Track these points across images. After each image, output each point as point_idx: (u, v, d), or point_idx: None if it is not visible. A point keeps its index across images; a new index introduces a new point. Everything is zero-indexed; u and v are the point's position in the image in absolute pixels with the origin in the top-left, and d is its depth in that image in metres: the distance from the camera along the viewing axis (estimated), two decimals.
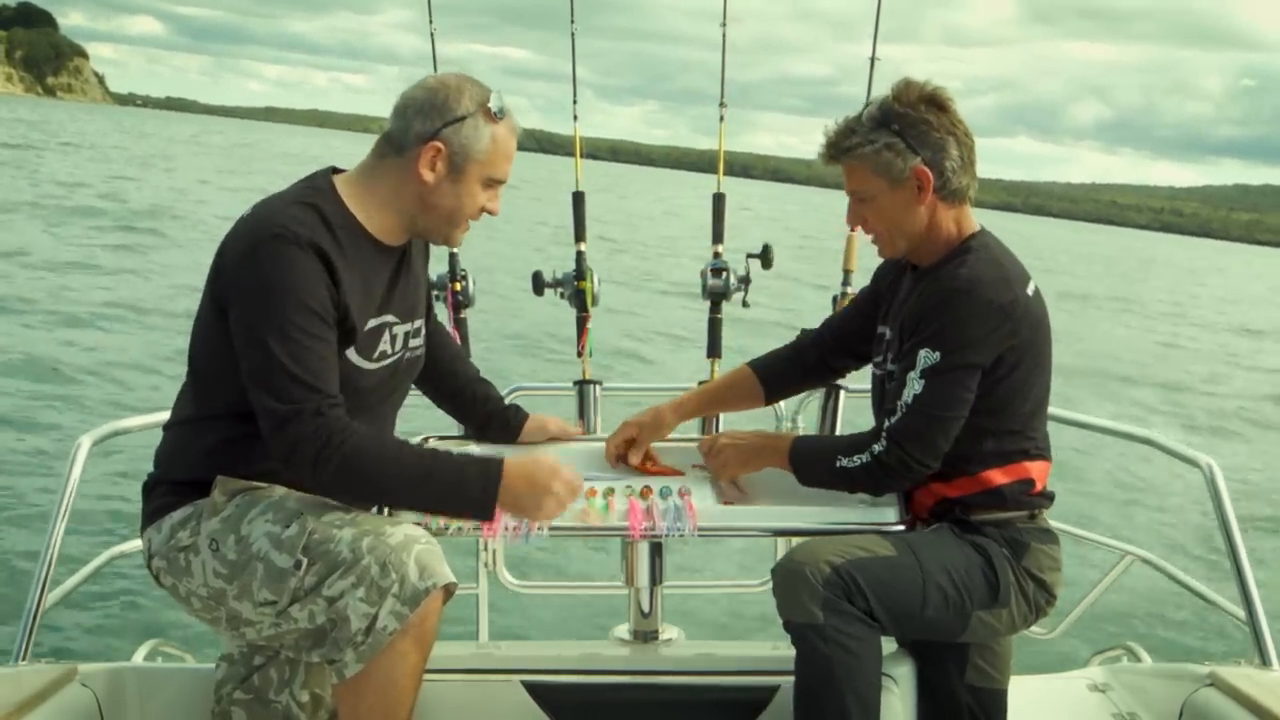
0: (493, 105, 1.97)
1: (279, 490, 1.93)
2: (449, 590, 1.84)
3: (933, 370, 2.00)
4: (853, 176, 2.15)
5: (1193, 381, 17.99)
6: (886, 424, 2.04)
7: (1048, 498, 2.17)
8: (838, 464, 2.08)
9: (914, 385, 2.01)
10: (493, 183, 2.02)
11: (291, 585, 1.85)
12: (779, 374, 2.47)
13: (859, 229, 2.24)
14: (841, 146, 2.13)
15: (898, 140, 2.07)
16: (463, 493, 1.89)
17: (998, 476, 2.10)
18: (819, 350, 2.45)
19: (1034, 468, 2.13)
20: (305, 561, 1.84)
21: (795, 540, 2.64)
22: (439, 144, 1.95)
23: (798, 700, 2.00)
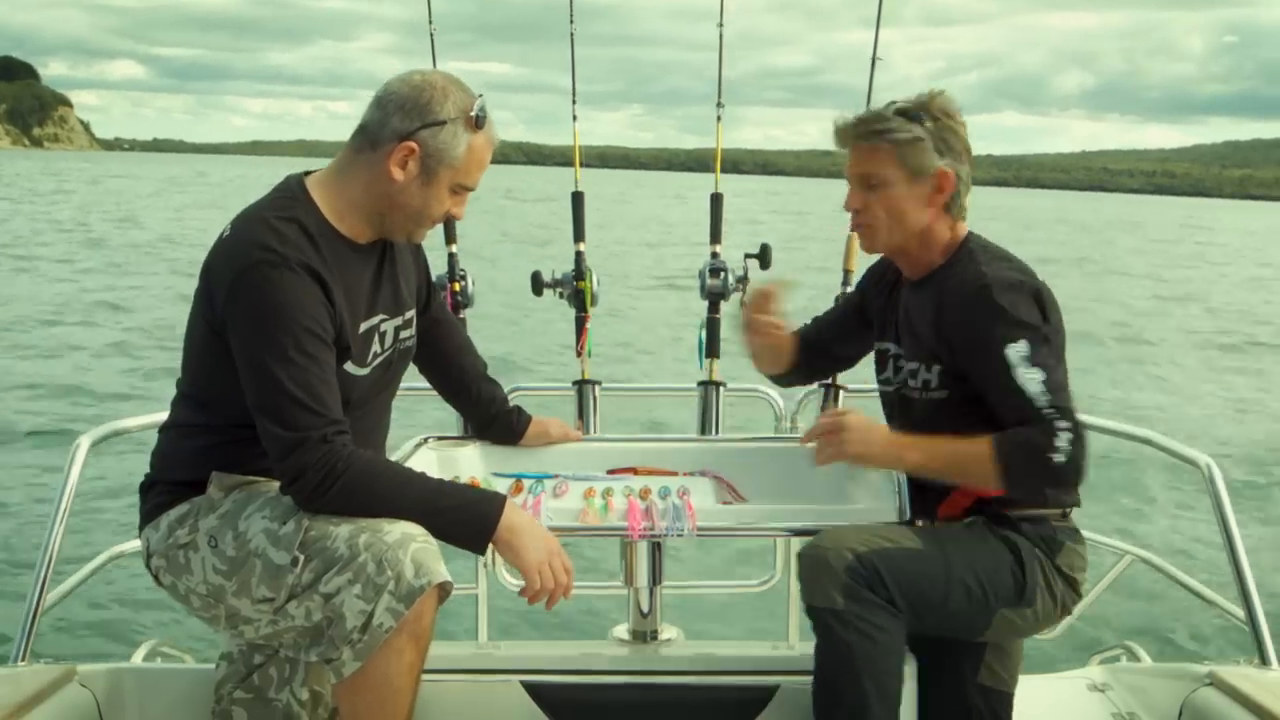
0: (475, 113, 1.95)
1: (275, 485, 1.93)
2: (445, 589, 1.84)
3: (1031, 356, 1.99)
4: (872, 160, 2.14)
5: None
6: (1044, 414, 1.96)
7: (1077, 497, 2.18)
8: (1056, 462, 1.94)
9: (1030, 377, 1.98)
10: (462, 189, 2.01)
11: (289, 582, 1.85)
12: (805, 358, 2.48)
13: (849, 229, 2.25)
14: (874, 127, 2.13)
15: (928, 138, 2.10)
16: (463, 525, 1.89)
17: None
18: (814, 347, 2.47)
19: None
20: (302, 558, 1.84)
21: (796, 540, 2.65)
22: (413, 144, 1.93)
23: (817, 687, 2.00)
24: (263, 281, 1.83)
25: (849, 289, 2.85)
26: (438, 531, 1.87)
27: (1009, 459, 1.97)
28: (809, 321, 2.52)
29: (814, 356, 2.48)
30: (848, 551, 1.95)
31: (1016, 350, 1.99)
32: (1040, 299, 2.07)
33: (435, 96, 1.94)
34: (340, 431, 1.85)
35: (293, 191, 1.97)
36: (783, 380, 2.58)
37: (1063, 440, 1.94)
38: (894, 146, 2.10)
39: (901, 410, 2.21)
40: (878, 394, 2.35)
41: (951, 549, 2.04)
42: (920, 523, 2.14)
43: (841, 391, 2.74)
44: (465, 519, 1.89)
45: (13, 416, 8.97)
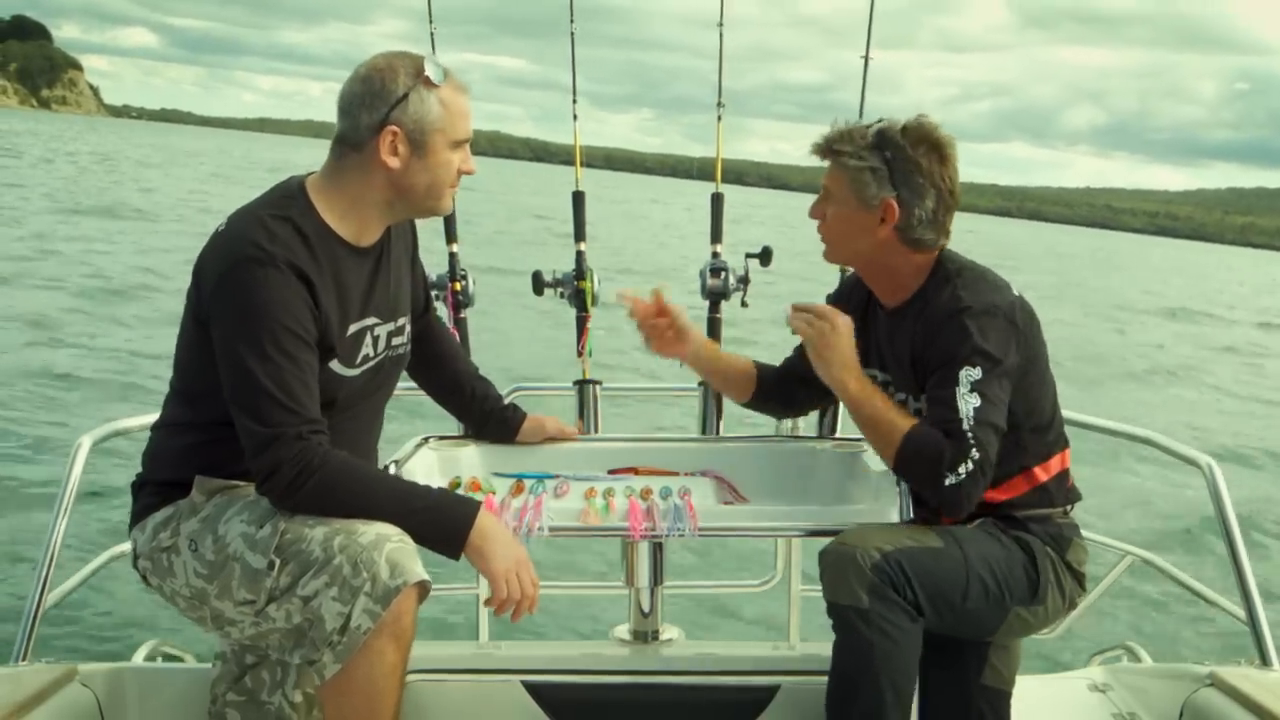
0: (429, 72, 1.95)
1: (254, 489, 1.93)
2: (424, 588, 1.83)
3: (980, 384, 2.02)
4: (830, 176, 2.20)
5: None
6: (965, 437, 1.99)
7: (1077, 492, 2.22)
8: (946, 482, 1.99)
9: (968, 402, 2.01)
10: (459, 144, 2.01)
11: (267, 585, 1.85)
12: (771, 387, 2.49)
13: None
14: (833, 147, 2.17)
15: (883, 168, 2.12)
16: (436, 527, 1.88)
17: (1041, 473, 2.16)
18: (793, 381, 2.46)
19: (1065, 456, 2.20)
20: (278, 562, 1.84)
21: (797, 540, 2.65)
22: (393, 128, 1.93)
23: (833, 683, 2.01)
24: (248, 278, 1.84)
25: None
26: (411, 532, 1.87)
27: (909, 455, 2.03)
28: (785, 360, 2.51)
29: (789, 388, 2.46)
30: (874, 550, 1.96)
31: (969, 374, 2.02)
32: (1014, 324, 2.08)
33: (385, 76, 1.94)
34: (316, 431, 1.85)
35: (291, 191, 1.98)
36: (760, 409, 2.55)
37: (963, 469, 1.98)
38: (844, 171, 2.15)
39: None
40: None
41: (970, 547, 2.06)
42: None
43: None
44: (438, 520, 1.89)
45: (13, 417, 8.96)
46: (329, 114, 2.00)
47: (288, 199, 1.96)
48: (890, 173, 2.11)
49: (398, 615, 1.80)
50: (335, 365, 1.97)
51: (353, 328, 2.00)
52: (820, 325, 2.13)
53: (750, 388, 2.49)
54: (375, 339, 2.06)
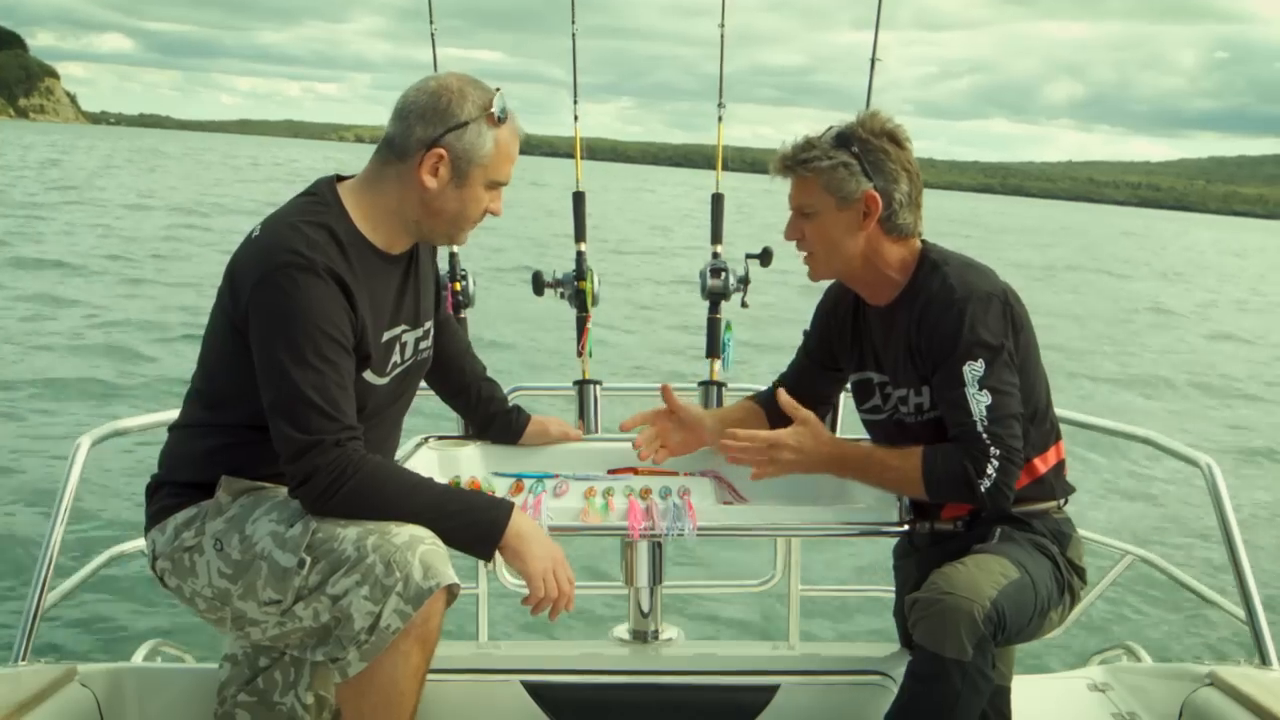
0: (495, 109, 1.96)
1: (283, 490, 1.93)
2: (452, 591, 1.84)
3: (986, 378, 2.03)
4: (802, 190, 2.18)
5: None
6: (981, 440, 2.01)
7: (1071, 485, 2.23)
8: (982, 489, 2.01)
9: (979, 399, 2.02)
10: (495, 185, 2.02)
11: (295, 584, 1.85)
12: (776, 413, 2.46)
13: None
14: (799, 159, 2.16)
15: (855, 162, 2.12)
16: (471, 529, 1.89)
17: (1040, 465, 2.16)
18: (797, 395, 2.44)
19: (1060, 448, 2.21)
20: (309, 560, 1.84)
21: (795, 540, 2.64)
22: (441, 150, 1.94)
23: (903, 716, 1.99)
24: (288, 283, 1.84)
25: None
26: (445, 536, 1.87)
27: (936, 479, 2.05)
28: (786, 374, 2.49)
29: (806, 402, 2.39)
30: (986, 600, 1.94)
31: (972, 369, 2.03)
32: (1009, 309, 2.09)
33: (453, 100, 1.95)
34: (353, 437, 1.85)
35: (325, 198, 1.98)
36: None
37: (991, 468, 2.00)
38: (817, 175, 2.14)
39: (899, 436, 2.21)
40: (863, 424, 2.35)
41: (1031, 568, 2.06)
42: (919, 525, 2.17)
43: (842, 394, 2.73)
44: (473, 524, 1.89)
45: (12, 417, 8.96)
46: (308, 114, 2.05)
47: (322, 205, 1.96)
48: (862, 165, 2.12)
49: (427, 617, 1.81)
50: (368, 374, 1.97)
51: (386, 335, 2.01)
52: (764, 455, 2.13)
53: (764, 426, 2.44)
54: (403, 346, 2.07)
